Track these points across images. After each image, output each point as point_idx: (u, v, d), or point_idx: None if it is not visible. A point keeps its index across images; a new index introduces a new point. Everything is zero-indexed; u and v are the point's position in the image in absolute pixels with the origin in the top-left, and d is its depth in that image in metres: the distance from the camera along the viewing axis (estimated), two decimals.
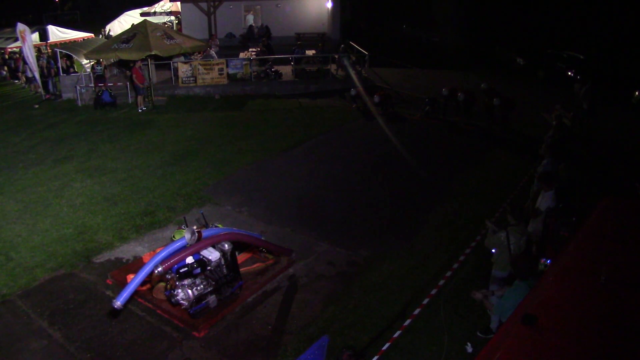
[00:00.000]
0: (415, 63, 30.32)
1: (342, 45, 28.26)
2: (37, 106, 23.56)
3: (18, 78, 29.43)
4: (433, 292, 8.71)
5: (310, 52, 27.12)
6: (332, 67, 25.90)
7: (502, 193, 12.59)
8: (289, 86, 23.81)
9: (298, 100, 21.67)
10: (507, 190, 12.72)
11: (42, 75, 24.98)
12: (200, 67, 23.70)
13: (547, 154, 11.20)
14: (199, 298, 8.53)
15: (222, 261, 8.76)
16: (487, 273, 8.26)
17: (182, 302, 8.48)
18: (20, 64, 28.53)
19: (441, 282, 9.00)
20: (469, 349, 7.45)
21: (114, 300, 7.80)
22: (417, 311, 8.20)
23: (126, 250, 10.66)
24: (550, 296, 5.17)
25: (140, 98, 21.61)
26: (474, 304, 8.17)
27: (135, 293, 8.71)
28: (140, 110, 21.40)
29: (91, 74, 23.97)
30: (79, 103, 23.14)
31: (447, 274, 9.28)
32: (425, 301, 8.44)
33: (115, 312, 8.41)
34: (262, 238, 9.63)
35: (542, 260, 7.50)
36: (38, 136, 19.03)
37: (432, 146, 15.86)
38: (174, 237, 9.68)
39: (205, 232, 8.34)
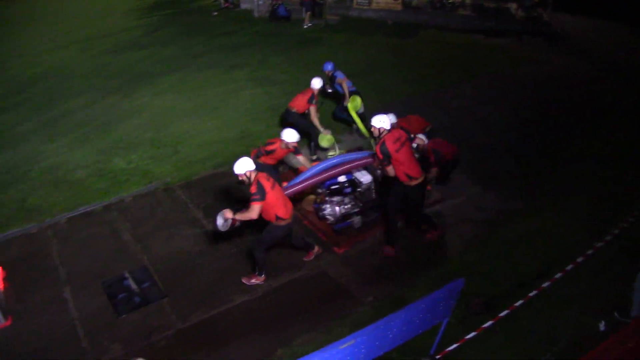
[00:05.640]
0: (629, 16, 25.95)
1: None
2: (215, 13, 25.08)
3: None
4: (580, 259, 8.34)
5: None
6: (513, 6, 24.59)
7: None
8: (464, 20, 23.06)
9: (472, 36, 20.96)
10: None
11: None
12: None
13: None
14: (344, 216, 9.06)
15: (373, 185, 9.13)
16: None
17: (328, 217, 9.05)
18: None
19: (589, 252, 8.56)
20: (602, 327, 7.17)
21: None
22: (558, 275, 7.95)
23: None
24: None
25: (308, 14, 22.25)
26: (617, 282, 7.79)
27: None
28: (305, 27, 22.05)
29: None
30: (256, 14, 24.28)
31: (598, 245, 8.76)
32: (569, 267, 8.14)
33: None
34: None
35: None
36: (213, 42, 20.46)
37: (611, 101, 14.55)
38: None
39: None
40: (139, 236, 9.38)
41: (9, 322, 7.69)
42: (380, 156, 7.86)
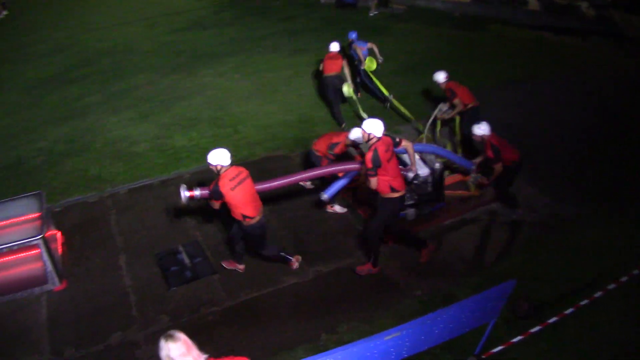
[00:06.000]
0: None
1: None
2: None
3: None
4: (635, 272, 8.02)
5: None
6: (584, 5, 23.76)
7: None
8: (534, 16, 22.41)
9: (540, 32, 20.36)
10: None
11: None
12: None
13: None
14: None
15: (430, 179, 9.03)
16: None
17: None
18: None
19: None
20: None
21: (322, 193, 8.54)
22: (611, 286, 7.68)
23: None
24: None
25: (374, 2, 22.13)
26: None
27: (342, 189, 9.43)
28: (371, 15, 21.93)
29: None
30: (322, 0, 24.27)
31: None
32: (624, 279, 7.83)
33: (320, 203, 9.18)
34: (473, 167, 9.62)
35: None
36: (278, 26, 20.62)
37: None
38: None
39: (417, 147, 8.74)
40: (194, 212, 9.57)
41: (64, 285, 8.01)
42: (370, 165, 7.18)
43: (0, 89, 16.43)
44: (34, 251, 7.65)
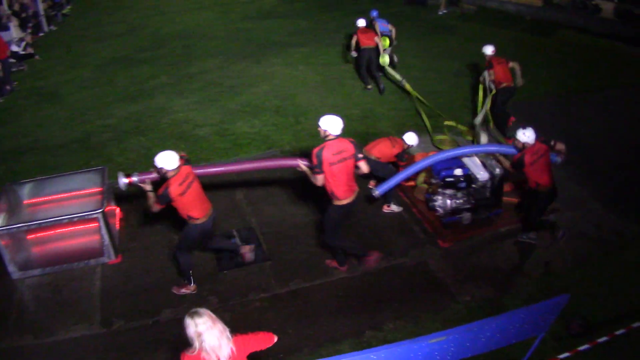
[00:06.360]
0: None
1: None
2: None
3: None
4: None
5: None
6: None
7: None
8: (607, 25, 21.53)
9: (611, 42, 19.48)
10: None
11: None
12: None
13: None
14: (454, 210, 8.90)
15: (489, 184, 8.90)
16: None
17: (438, 209, 8.95)
18: None
19: None
20: None
21: (374, 189, 8.54)
22: None
23: None
24: None
25: (443, 0, 21.95)
26: None
27: (399, 186, 9.38)
28: (440, 13, 21.75)
29: None
30: None
31: None
32: None
33: (372, 199, 9.13)
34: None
35: None
36: (348, 19, 20.28)
37: None
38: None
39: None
40: (251, 198, 9.72)
41: (119, 260, 8.29)
42: (315, 160, 6.90)
43: (76, 64, 17.07)
44: (93, 224, 7.96)
